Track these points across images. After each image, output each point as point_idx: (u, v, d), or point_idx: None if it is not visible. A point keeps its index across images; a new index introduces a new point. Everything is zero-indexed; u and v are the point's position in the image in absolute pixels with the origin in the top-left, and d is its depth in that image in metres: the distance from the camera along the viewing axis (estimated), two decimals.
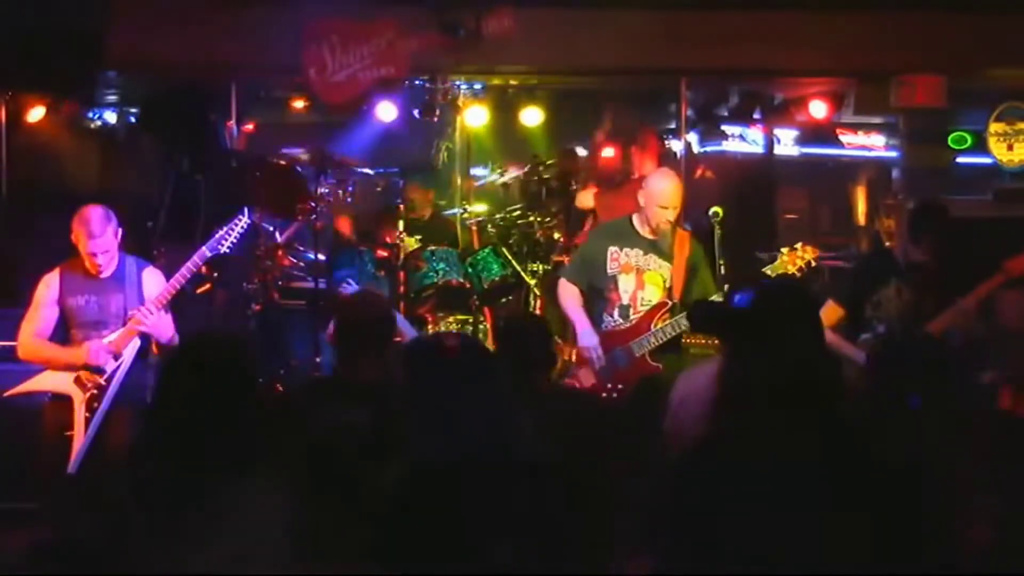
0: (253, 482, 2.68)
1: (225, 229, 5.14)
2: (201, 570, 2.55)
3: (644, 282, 5.39)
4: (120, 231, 5.07)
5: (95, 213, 4.98)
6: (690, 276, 5.43)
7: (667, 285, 5.40)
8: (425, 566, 2.55)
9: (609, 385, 5.24)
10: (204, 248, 5.11)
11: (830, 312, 5.21)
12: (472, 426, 2.71)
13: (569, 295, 5.51)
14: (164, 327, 5.03)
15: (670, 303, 5.38)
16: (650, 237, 5.42)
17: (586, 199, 7.70)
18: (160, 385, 2.85)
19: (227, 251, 5.18)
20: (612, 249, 5.42)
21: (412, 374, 2.82)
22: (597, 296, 5.48)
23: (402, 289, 6.85)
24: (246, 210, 5.23)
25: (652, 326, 5.29)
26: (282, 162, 7.52)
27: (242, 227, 5.16)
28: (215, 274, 7.03)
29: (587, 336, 5.32)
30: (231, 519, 2.64)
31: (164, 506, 2.64)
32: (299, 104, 8.49)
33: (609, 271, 5.40)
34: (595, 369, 5.29)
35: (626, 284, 5.39)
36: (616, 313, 5.38)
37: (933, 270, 5.29)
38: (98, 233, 4.95)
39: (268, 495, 2.68)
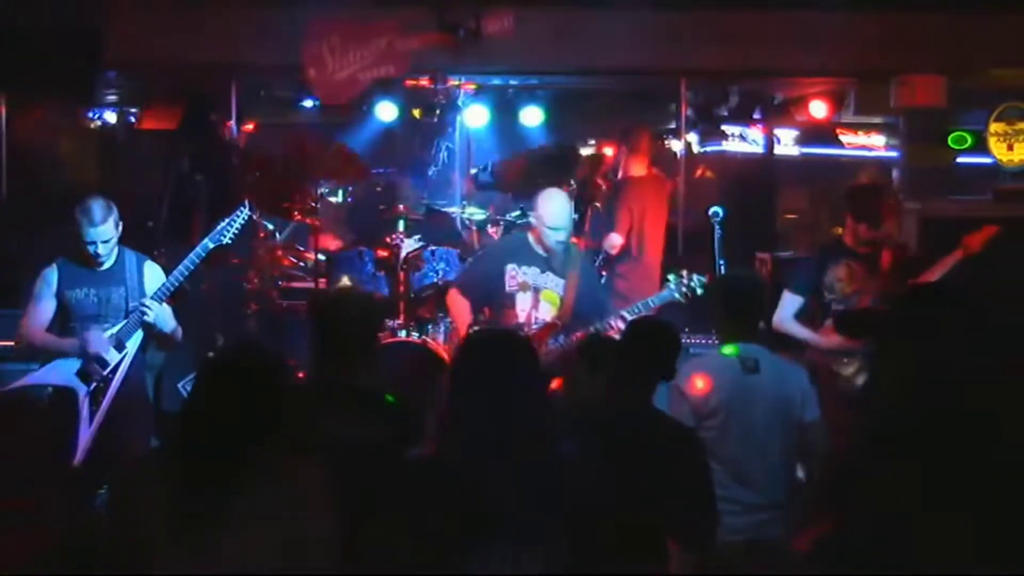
0: (291, 483, 2.74)
1: (227, 221, 5.11)
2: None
3: (540, 300, 5.46)
4: (121, 224, 5.06)
5: (96, 203, 4.96)
6: (583, 292, 5.47)
7: (562, 303, 5.44)
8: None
9: None
10: (207, 239, 5.08)
11: (790, 302, 5.40)
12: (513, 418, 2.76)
13: (460, 307, 5.55)
14: (168, 318, 5.04)
15: (559, 324, 5.40)
16: (544, 254, 5.47)
17: None
18: (197, 391, 2.87)
19: (229, 242, 5.16)
20: (510, 267, 5.46)
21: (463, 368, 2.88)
22: (494, 311, 5.53)
23: (402, 289, 6.84)
24: (247, 202, 5.20)
25: (540, 346, 5.23)
26: (282, 162, 7.50)
27: (243, 218, 5.14)
28: (213, 274, 7.03)
29: None
30: (269, 521, 2.69)
31: (196, 508, 2.67)
32: (299, 104, 8.51)
33: (508, 289, 5.44)
34: None
35: (523, 303, 5.45)
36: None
37: (882, 245, 5.45)
38: (99, 221, 4.92)
39: (305, 496, 2.73)
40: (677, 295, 5.48)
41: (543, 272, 5.47)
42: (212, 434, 2.74)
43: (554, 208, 5.46)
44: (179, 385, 6.64)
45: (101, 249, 4.97)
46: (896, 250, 5.72)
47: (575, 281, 5.46)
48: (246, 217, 5.16)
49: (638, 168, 7.30)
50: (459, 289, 5.66)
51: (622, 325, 5.25)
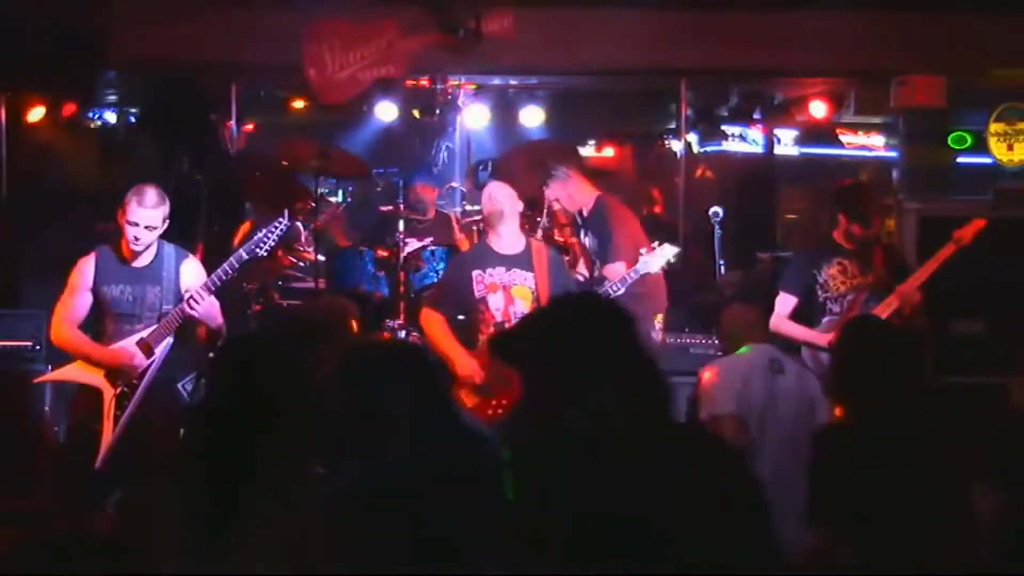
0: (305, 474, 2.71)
1: (264, 232, 4.94)
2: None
3: (513, 297, 5.48)
4: (167, 223, 4.92)
5: (151, 188, 4.85)
6: (554, 282, 5.47)
7: (535, 296, 5.45)
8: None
9: (493, 402, 5.26)
10: (242, 251, 4.94)
11: (784, 302, 5.40)
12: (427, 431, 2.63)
13: (435, 323, 5.54)
14: (215, 313, 4.92)
15: None
16: (507, 253, 5.52)
17: None
18: (212, 383, 2.84)
19: (265, 254, 5.06)
20: (475, 273, 5.50)
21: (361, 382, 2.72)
22: (469, 316, 5.57)
23: (402, 289, 6.83)
24: (286, 213, 5.02)
25: None
26: (282, 162, 7.51)
27: (281, 230, 4.97)
28: None
29: (466, 364, 5.31)
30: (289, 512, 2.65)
31: (216, 504, 2.65)
32: (299, 104, 8.51)
33: (477, 294, 5.48)
34: (477, 390, 5.31)
35: (496, 302, 5.47)
36: (493, 330, 5.41)
37: (873, 243, 5.48)
38: (149, 205, 4.78)
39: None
40: (653, 269, 5.46)
41: (509, 270, 5.50)
42: (233, 431, 2.71)
43: (502, 192, 5.57)
44: (179, 385, 6.63)
45: (141, 234, 4.81)
46: (886, 247, 5.75)
47: (544, 273, 5.48)
48: (285, 228, 5.00)
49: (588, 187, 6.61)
50: (431, 306, 5.66)
51: None
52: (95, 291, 4.90)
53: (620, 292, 5.42)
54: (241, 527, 2.64)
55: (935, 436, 3.16)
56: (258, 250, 4.96)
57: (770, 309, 5.29)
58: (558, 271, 5.61)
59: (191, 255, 5.12)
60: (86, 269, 4.91)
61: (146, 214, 4.81)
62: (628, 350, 2.35)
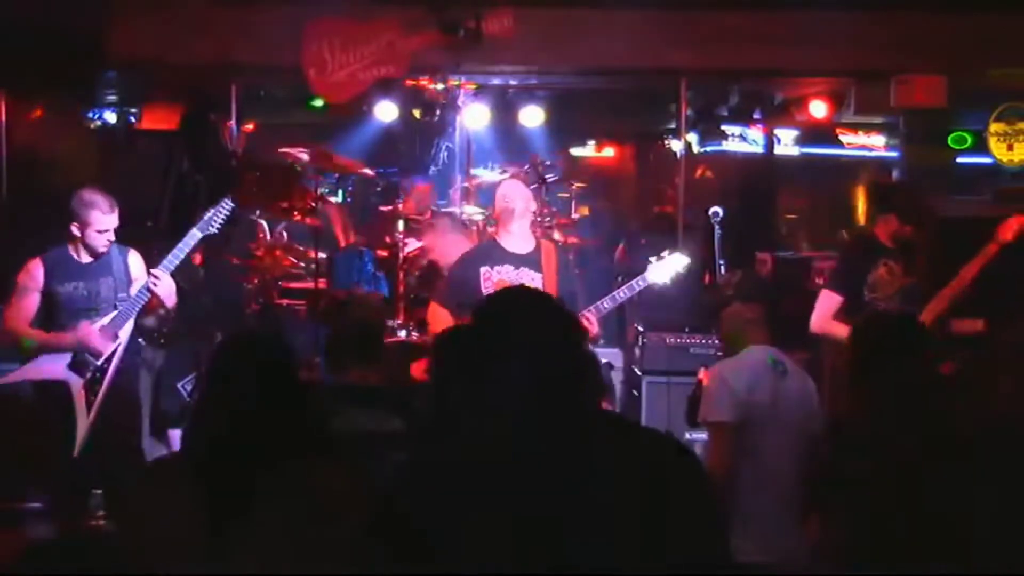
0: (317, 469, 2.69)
1: (213, 211, 5.14)
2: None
3: None
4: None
5: (100, 194, 5.01)
6: (562, 283, 5.47)
7: None
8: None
9: None
10: (195, 229, 5.10)
11: (827, 300, 5.34)
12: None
13: (441, 319, 5.52)
14: (172, 293, 5.06)
15: None
16: (516, 251, 5.50)
17: None
18: (211, 382, 2.84)
19: (215, 231, 5.18)
20: (484, 269, 5.48)
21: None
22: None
23: (402, 289, 6.84)
24: (230, 194, 5.26)
25: None
26: (281, 162, 7.52)
27: (228, 210, 5.17)
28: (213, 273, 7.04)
29: None
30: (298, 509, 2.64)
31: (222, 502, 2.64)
32: (299, 104, 8.51)
33: (484, 291, 5.43)
34: None
35: None
36: None
37: (916, 242, 5.40)
38: (109, 210, 4.98)
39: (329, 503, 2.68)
40: (662, 279, 5.45)
41: (517, 269, 5.49)
42: (233, 433, 2.70)
43: (516, 191, 5.58)
44: (179, 385, 6.64)
45: (112, 237, 5.01)
46: (924, 248, 5.64)
47: (553, 274, 5.47)
48: (230, 207, 5.19)
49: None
50: (437, 301, 5.66)
51: (594, 318, 5.29)
52: (48, 292, 5.03)
53: (624, 300, 5.45)
54: (240, 526, 2.64)
55: (938, 432, 3.16)
56: (209, 228, 5.14)
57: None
58: (565, 272, 5.61)
59: (132, 249, 5.26)
60: (35, 273, 5.05)
61: (111, 219, 5.01)
62: (521, 343, 2.18)
